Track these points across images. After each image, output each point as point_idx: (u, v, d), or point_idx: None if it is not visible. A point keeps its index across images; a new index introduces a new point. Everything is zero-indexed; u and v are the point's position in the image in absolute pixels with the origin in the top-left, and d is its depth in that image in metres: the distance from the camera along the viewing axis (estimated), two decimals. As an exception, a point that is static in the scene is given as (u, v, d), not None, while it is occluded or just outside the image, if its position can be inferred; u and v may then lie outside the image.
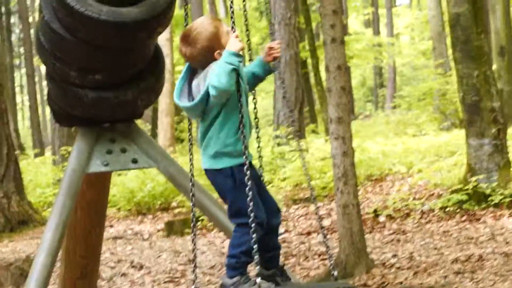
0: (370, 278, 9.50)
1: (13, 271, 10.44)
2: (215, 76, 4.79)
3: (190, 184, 5.12)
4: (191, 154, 5.15)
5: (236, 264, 4.93)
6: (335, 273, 4.99)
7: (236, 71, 4.80)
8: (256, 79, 5.32)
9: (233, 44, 4.88)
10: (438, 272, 9.47)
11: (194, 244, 5.04)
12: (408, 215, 13.57)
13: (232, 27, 4.97)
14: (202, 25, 5.12)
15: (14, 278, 10.40)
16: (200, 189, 6.32)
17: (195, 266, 5.01)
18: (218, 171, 5.02)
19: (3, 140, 14.47)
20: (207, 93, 4.89)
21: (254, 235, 4.75)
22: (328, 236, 12.47)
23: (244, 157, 4.84)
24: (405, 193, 14.95)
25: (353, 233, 9.58)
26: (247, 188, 4.77)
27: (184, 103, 5.02)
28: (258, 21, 45.09)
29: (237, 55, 4.81)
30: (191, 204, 5.09)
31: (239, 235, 4.95)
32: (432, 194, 14.53)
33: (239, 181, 4.91)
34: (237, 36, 4.91)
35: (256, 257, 4.73)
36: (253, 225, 4.76)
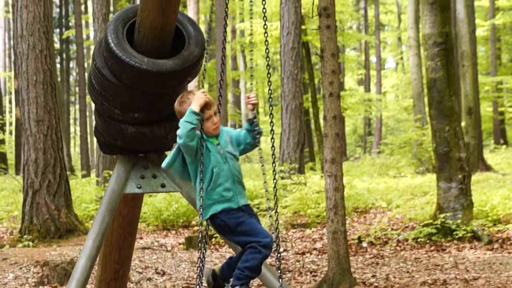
0: (352, 293, 9.42)
1: (58, 271, 10.41)
2: (177, 134, 4.89)
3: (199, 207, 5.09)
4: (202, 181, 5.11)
5: (240, 275, 4.90)
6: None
7: (193, 129, 4.87)
8: (248, 132, 5.17)
9: (196, 99, 4.93)
10: (408, 291, 9.39)
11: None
12: (386, 242, 13.50)
13: (202, 84, 5.02)
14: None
15: (60, 277, 10.36)
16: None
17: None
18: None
19: (57, 162, 14.49)
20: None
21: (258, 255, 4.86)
22: (319, 257, 12.42)
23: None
24: (385, 224, 14.89)
25: (340, 255, 9.52)
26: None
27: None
28: (271, 76, 45.19)
29: (196, 113, 4.87)
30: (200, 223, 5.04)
31: (247, 254, 4.92)
32: (407, 227, 14.47)
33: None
34: (203, 92, 4.96)
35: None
36: (258, 247, 4.85)
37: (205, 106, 4.99)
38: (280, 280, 5.09)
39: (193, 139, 4.90)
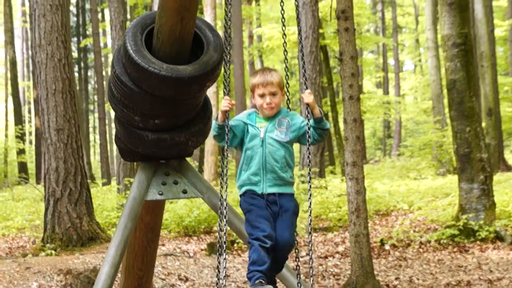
0: (376, 296, 9.37)
1: (82, 279, 10.42)
2: None
3: (220, 213, 5.08)
4: (224, 185, 5.10)
5: (249, 275, 4.88)
6: None
7: (216, 136, 5.15)
8: (313, 128, 5.15)
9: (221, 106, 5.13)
10: (433, 293, 9.34)
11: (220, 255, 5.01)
12: (409, 245, 13.44)
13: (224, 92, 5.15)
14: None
15: (83, 285, 10.37)
16: (236, 215, 6.29)
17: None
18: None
19: (78, 170, 14.51)
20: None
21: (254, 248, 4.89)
22: (342, 260, 12.38)
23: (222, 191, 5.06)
24: (407, 226, 14.83)
25: (363, 258, 9.49)
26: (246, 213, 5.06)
27: None
28: (289, 80, 45.21)
29: (216, 123, 5.12)
30: (219, 227, 5.02)
31: (248, 252, 4.95)
32: (429, 228, 14.41)
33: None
34: (226, 99, 5.08)
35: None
36: (253, 241, 4.91)
37: (256, 86, 5.17)
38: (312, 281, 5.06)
39: (219, 141, 5.17)
